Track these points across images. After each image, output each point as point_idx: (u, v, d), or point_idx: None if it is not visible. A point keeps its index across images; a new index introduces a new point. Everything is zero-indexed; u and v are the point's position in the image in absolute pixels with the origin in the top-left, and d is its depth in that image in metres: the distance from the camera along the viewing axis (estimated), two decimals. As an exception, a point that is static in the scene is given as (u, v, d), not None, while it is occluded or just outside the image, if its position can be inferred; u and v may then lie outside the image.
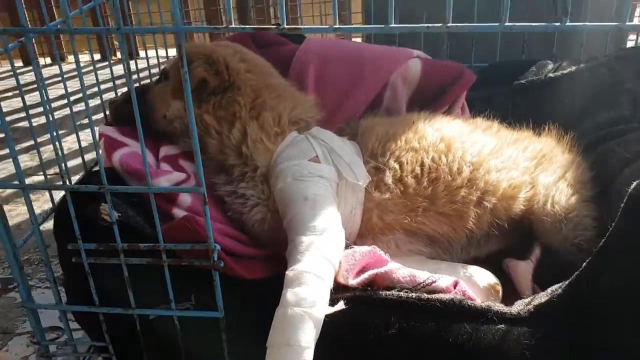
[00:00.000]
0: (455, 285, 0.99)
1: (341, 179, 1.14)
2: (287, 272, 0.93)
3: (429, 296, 0.92)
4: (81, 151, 1.23)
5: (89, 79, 1.15)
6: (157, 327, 1.03)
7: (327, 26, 0.73)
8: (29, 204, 0.99)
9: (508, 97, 1.52)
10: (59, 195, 1.07)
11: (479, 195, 1.14)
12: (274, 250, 1.10)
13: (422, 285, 0.97)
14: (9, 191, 2.19)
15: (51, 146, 0.99)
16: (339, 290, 0.96)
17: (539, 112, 1.43)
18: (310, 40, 1.52)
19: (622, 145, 1.20)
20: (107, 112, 1.35)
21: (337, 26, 0.73)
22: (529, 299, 0.94)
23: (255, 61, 1.28)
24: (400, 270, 0.99)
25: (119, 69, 2.80)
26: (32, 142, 2.47)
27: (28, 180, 2.12)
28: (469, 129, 1.24)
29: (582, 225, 1.12)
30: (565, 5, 0.70)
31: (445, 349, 0.89)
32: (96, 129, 0.98)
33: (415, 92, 1.47)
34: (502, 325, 0.89)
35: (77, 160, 2.17)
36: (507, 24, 0.70)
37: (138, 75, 1.86)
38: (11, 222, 0.99)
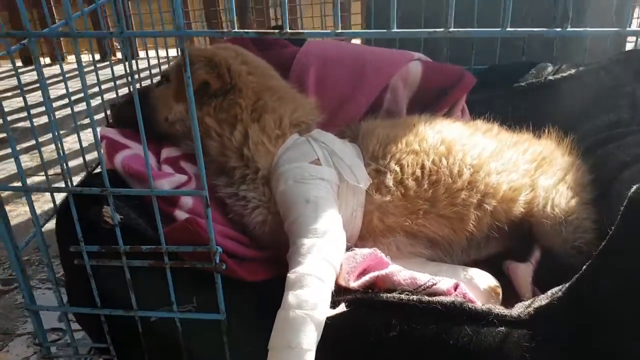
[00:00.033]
0: (456, 287, 0.99)
1: (342, 181, 1.14)
2: (288, 275, 0.94)
3: (430, 299, 0.93)
4: (82, 151, 1.23)
5: (89, 79, 1.15)
6: (158, 328, 1.04)
7: (329, 31, 0.73)
8: (32, 207, 0.99)
9: (508, 99, 1.52)
10: (60, 196, 1.07)
11: (480, 197, 1.14)
12: (275, 252, 1.10)
13: (422, 287, 0.98)
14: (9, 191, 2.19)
15: (50, 146, 0.99)
16: (340, 293, 0.96)
17: (538, 115, 1.44)
18: (310, 43, 1.52)
19: (621, 148, 1.21)
20: (109, 114, 1.35)
21: (340, 31, 0.73)
22: (529, 302, 0.95)
23: (256, 63, 1.29)
24: (401, 272, 1.00)
25: (118, 69, 2.81)
26: (31, 143, 2.47)
27: (28, 181, 2.12)
28: (469, 131, 1.25)
29: (582, 227, 1.12)
30: (566, 11, 0.70)
31: (446, 351, 0.90)
32: (98, 129, 0.99)
33: (415, 94, 1.48)
34: (503, 328, 0.89)
35: (77, 161, 2.18)
36: (508, 29, 0.70)
37: (139, 76, 1.86)
38: (11, 223, 1.00)
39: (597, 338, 0.87)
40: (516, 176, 1.17)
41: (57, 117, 2.71)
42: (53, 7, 3.19)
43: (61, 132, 2.55)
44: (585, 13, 1.68)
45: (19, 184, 2.18)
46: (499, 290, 1.06)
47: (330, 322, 0.90)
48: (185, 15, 3.22)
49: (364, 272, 1.02)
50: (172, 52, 2.25)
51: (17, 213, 2.02)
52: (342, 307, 0.92)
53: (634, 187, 0.84)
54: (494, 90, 1.55)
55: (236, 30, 0.74)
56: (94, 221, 0.98)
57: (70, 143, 2.42)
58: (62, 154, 0.94)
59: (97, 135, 0.94)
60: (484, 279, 1.07)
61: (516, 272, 1.12)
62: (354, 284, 0.98)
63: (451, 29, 0.71)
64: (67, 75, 1.16)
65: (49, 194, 1.07)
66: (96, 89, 2.43)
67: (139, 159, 1.15)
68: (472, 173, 1.15)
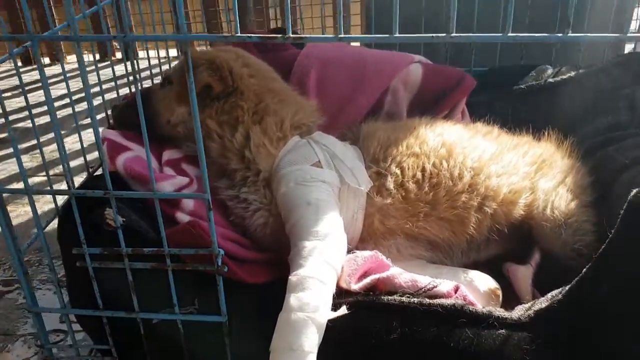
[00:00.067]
0: (456, 290, 1.00)
1: (343, 183, 1.15)
2: (290, 277, 0.94)
3: (431, 301, 0.93)
4: (83, 152, 1.24)
5: (89, 80, 1.15)
6: (159, 330, 1.04)
7: (332, 36, 0.74)
8: (34, 209, 0.99)
9: (508, 102, 1.53)
10: (61, 196, 1.07)
11: (480, 200, 1.15)
12: (276, 254, 1.11)
13: (423, 290, 0.98)
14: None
15: (49, 147, 1.00)
16: (341, 295, 0.97)
17: (538, 117, 1.45)
18: (311, 45, 1.53)
19: (620, 150, 1.22)
20: (109, 115, 1.35)
21: (342, 35, 0.74)
22: (529, 304, 0.95)
23: (258, 66, 1.29)
24: (402, 275, 1.00)
25: (118, 69, 2.80)
26: (30, 143, 2.47)
27: (29, 182, 2.12)
28: (470, 134, 1.25)
29: (582, 230, 1.13)
30: (567, 16, 0.71)
31: (446, 354, 0.90)
32: (100, 129, 0.99)
33: (416, 96, 1.48)
34: (503, 331, 0.90)
35: (77, 161, 2.18)
36: (510, 34, 0.71)
37: (140, 76, 1.86)
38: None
39: (597, 340, 0.88)
40: (516, 179, 1.17)
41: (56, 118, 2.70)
42: (53, 7, 3.18)
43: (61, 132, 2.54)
44: (586, 13, 1.68)
45: (19, 184, 2.18)
46: (499, 292, 1.06)
47: (332, 324, 0.90)
48: (185, 15, 3.21)
49: (365, 275, 1.02)
50: (172, 52, 2.25)
51: (17, 214, 2.02)
52: (343, 310, 0.92)
53: (634, 190, 0.85)
54: (493, 93, 1.56)
55: (239, 34, 0.75)
56: (96, 223, 0.98)
57: (70, 143, 2.42)
58: (64, 156, 0.95)
59: (99, 138, 0.94)
60: (484, 282, 1.08)
61: (516, 274, 1.12)
62: (355, 287, 0.99)
63: (453, 34, 0.71)
64: (66, 75, 1.16)
65: (52, 198, 1.07)
66: (96, 89, 2.43)
67: (141, 161, 1.16)
68: (473, 176, 1.15)
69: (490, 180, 1.15)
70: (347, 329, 0.92)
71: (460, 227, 1.15)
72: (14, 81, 3.08)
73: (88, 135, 2.38)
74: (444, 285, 1.00)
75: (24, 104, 2.80)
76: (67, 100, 2.73)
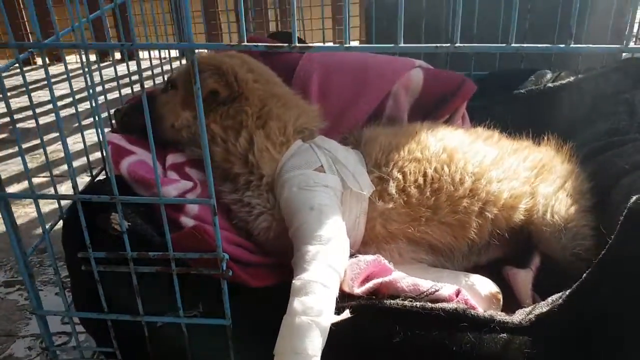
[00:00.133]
0: (458, 294, 1.01)
1: (346, 188, 1.15)
2: (293, 281, 0.95)
3: (433, 305, 0.94)
4: (87, 155, 1.24)
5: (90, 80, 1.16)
6: (162, 333, 1.05)
7: (338, 45, 0.75)
8: (40, 213, 1.00)
9: (507, 106, 1.54)
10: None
11: (481, 205, 1.16)
12: (279, 258, 1.12)
13: (425, 294, 0.99)
14: (10, 191, 2.19)
15: (49, 147, 1.00)
16: (344, 299, 0.98)
17: (538, 122, 1.45)
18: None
19: (620, 155, 1.23)
20: (111, 114, 1.36)
21: (348, 45, 0.75)
22: (529, 308, 0.97)
23: (262, 71, 1.30)
24: (404, 279, 1.01)
25: (119, 69, 2.79)
26: (30, 144, 2.47)
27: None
28: (471, 139, 1.26)
29: (581, 234, 1.14)
30: (570, 27, 0.72)
31: (448, 357, 0.91)
32: (106, 129, 1.00)
33: (416, 101, 1.49)
34: (505, 335, 0.91)
35: (78, 162, 2.19)
36: (513, 44, 0.72)
37: (140, 76, 1.85)
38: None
39: (598, 345, 0.89)
40: (517, 184, 1.19)
41: (52, 119, 2.71)
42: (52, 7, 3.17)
43: (58, 134, 2.54)
44: (585, 16, 1.69)
45: (20, 184, 2.18)
46: (500, 296, 1.07)
47: (335, 328, 0.91)
48: (185, 16, 3.20)
49: (367, 279, 1.03)
50: (173, 53, 2.25)
51: (18, 215, 2.02)
52: (346, 314, 0.93)
53: (634, 197, 0.86)
54: (493, 97, 1.57)
55: (246, 43, 0.76)
56: (102, 228, 0.99)
57: (70, 144, 2.42)
58: (69, 160, 0.95)
59: (105, 143, 0.95)
60: (485, 285, 1.09)
61: (516, 278, 1.13)
62: (358, 290, 1.00)
63: (457, 44, 0.72)
64: (63, 77, 1.17)
65: (57, 202, 1.07)
66: (97, 89, 2.43)
67: (145, 165, 1.16)
68: (474, 181, 1.16)
69: (491, 186, 1.16)
70: (350, 333, 0.93)
71: (462, 231, 1.16)
72: (13, 81, 3.08)
73: (89, 136, 2.39)
74: (446, 289, 1.01)
75: (22, 104, 2.80)
76: (66, 101, 2.73)
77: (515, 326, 0.92)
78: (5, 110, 2.86)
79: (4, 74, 0.91)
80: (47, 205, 2.01)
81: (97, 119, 0.85)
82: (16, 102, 2.95)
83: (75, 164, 2.13)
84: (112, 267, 0.99)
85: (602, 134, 1.37)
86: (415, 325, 0.93)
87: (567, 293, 0.92)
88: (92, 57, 3.15)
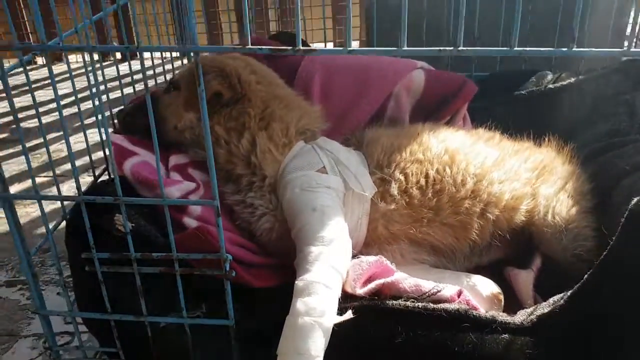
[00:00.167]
0: (459, 294, 1.01)
1: (348, 189, 1.16)
2: (296, 282, 0.96)
3: (435, 306, 0.95)
4: (89, 154, 1.24)
5: (85, 81, 1.17)
6: (166, 334, 1.05)
7: (342, 49, 0.75)
8: (44, 215, 1.01)
9: (508, 107, 1.55)
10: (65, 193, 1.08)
11: (482, 206, 1.17)
12: (282, 259, 1.12)
13: (427, 294, 1.00)
14: (11, 191, 2.19)
15: (51, 147, 1.00)
16: (346, 299, 0.98)
17: (539, 123, 1.45)
18: (316, 50, 1.54)
19: (621, 156, 1.23)
20: (113, 114, 1.36)
21: (352, 49, 0.75)
22: (531, 309, 0.97)
23: (264, 72, 1.31)
24: (406, 280, 1.02)
25: (113, 70, 2.79)
26: (31, 144, 2.47)
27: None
28: (472, 140, 1.27)
29: (582, 235, 1.14)
30: (572, 30, 0.72)
31: (450, 358, 0.92)
32: (109, 129, 1.00)
33: (418, 102, 1.49)
34: (506, 335, 0.92)
35: (79, 161, 2.19)
36: (516, 48, 0.73)
37: (145, 78, 1.85)
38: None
39: (598, 345, 0.90)
40: (518, 185, 1.19)
41: (53, 119, 2.71)
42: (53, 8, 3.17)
43: (59, 133, 2.54)
44: (586, 16, 1.70)
45: (21, 184, 2.18)
46: (501, 297, 1.08)
47: (338, 328, 0.92)
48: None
49: (369, 280, 1.04)
50: (173, 52, 2.26)
51: (20, 214, 2.00)
52: (349, 314, 0.94)
53: (635, 199, 0.86)
54: (494, 98, 1.57)
55: (250, 46, 0.76)
56: (106, 229, 0.99)
57: (71, 144, 2.42)
58: (73, 161, 0.96)
59: (110, 142, 0.95)
60: (487, 286, 1.09)
61: (518, 279, 1.14)
62: (360, 291, 1.00)
63: (460, 48, 0.73)
64: (63, 77, 1.17)
65: (60, 204, 1.08)
66: (91, 90, 2.43)
67: (148, 166, 1.17)
68: (475, 182, 1.17)
69: (492, 187, 1.17)
70: (352, 333, 0.94)
71: (463, 232, 1.17)
72: (12, 81, 3.08)
73: (90, 136, 2.39)
74: (448, 289, 1.01)
75: (22, 104, 2.80)
76: (66, 101, 2.73)
77: (517, 327, 0.93)
78: (5, 110, 2.88)
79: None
80: (49, 205, 2.01)
81: (100, 118, 0.85)
82: (16, 102, 2.95)
83: (77, 163, 2.13)
84: (116, 267, 0.99)
85: (602, 135, 1.38)
86: (417, 325, 0.93)
87: (568, 294, 0.92)
88: (95, 56, 3.15)
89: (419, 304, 0.96)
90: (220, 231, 0.92)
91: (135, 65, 1.39)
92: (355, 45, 2.41)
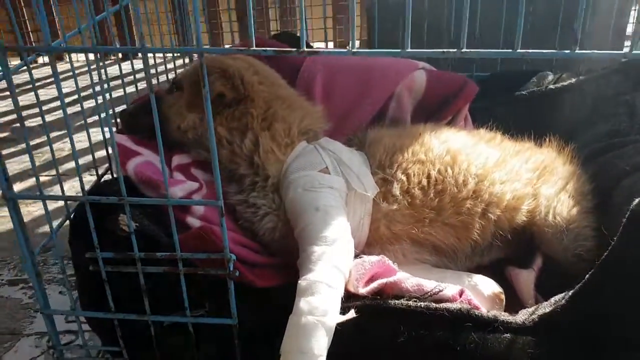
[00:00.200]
0: (461, 294, 1.02)
1: (350, 189, 1.16)
2: (299, 282, 0.96)
3: (437, 306, 0.95)
4: (92, 154, 1.25)
5: (87, 80, 1.17)
6: (168, 333, 1.06)
7: (345, 50, 0.76)
8: (48, 215, 1.01)
9: (509, 107, 1.55)
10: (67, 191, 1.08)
11: (484, 206, 1.17)
12: (284, 258, 1.13)
13: (429, 294, 1.01)
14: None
15: (49, 148, 1.01)
16: (349, 299, 0.99)
17: (539, 123, 1.46)
18: (318, 50, 1.54)
19: (621, 157, 1.24)
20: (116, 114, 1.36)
21: (356, 50, 0.76)
22: (532, 309, 0.98)
23: (267, 73, 1.31)
24: (409, 280, 1.02)
25: (116, 69, 2.77)
26: (32, 143, 2.47)
27: (33, 181, 2.13)
28: (474, 140, 1.27)
29: (583, 235, 1.15)
30: (575, 33, 0.73)
31: (453, 357, 0.92)
32: (112, 129, 1.00)
33: (419, 102, 1.50)
34: (508, 335, 0.92)
35: (81, 160, 2.18)
36: (519, 50, 0.73)
37: (150, 79, 1.85)
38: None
39: (600, 345, 0.90)
40: (519, 185, 1.20)
41: (53, 118, 2.71)
42: (52, 5, 3.17)
43: (61, 133, 2.53)
44: (587, 16, 1.71)
45: (22, 184, 2.18)
46: (503, 296, 1.09)
47: (340, 327, 0.92)
48: (186, 15, 3.20)
49: (372, 279, 1.04)
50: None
51: (21, 213, 2.02)
52: (351, 313, 0.94)
53: (636, 200, 0.87)
54: (495, 99, 1.58)
55: (255, 48, 0.77)
56: (110, 229, 1.00)
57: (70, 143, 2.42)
58: (77, 161, 0.96)
59: (114, 142, 0.96)
60: (488, 286, 1.10)
61: (519, 278, 1.14)
62: (362, 291, 1.01)
63: (464, 50, 0.73)
64: (64, 76, 1.18)
65: (64, 203, 1.08)
66: (98, 88, 2.44)
67: (151, 165, 1.17)
68: (477, 183, 1.18)
69: (494, 187, 1.18)
70: (355, 333, 0.94)
71: (465, 232, 1.17)
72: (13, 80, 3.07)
73: (92, 135, 2.39)
74: (449, 289, 1.02)
75: (22, 103, 2.80)
76: (67, 100, 2.73)
77: (519, 326, 0.93)
78: (5, 109, 2.88)
79: (2, 73, 0.91)
80: (51, 203, 2.01)
81: (105, 118, 0.86)
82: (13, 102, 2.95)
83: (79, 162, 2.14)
84: (120, 267, 1.00)
85: (602, 135, 1.39)
86: (419, 325, 0.94)
87: (569, 294, 0.93)
88: (104, 57, 3.15)
89: (421, 303, 0.96)
90: (224, 231, 0.92)
91: (138, 63, 1.39)
92: (355, 44, 2.40)
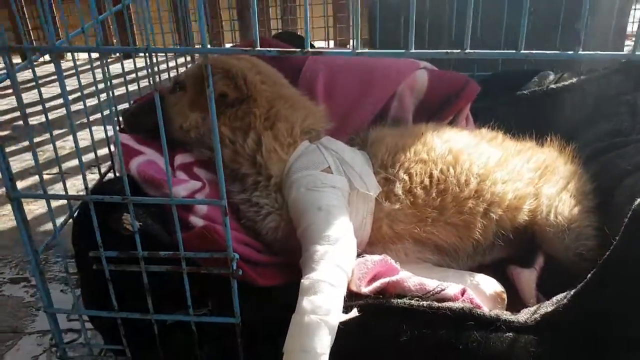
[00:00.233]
0: (463, 293, 1.02)
1: (352, 189, 1.17)
2: (302, 281, 0.96)
3: (440, 305, 0.96)
4: (94, 149, 1.25)
5: (88, 78, 1.17)
6: (171, 331, 1.06)
7: (349, 51, 0.76)
8: (51, 214, 1.02)
9: (511, 107, 1.56)
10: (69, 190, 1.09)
11: (486, 206, 1.18)
12: (287, 257, 1.13)
13: (431, 293, 1.01)
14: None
15: (50, 145, 1.01)
16: (351, 298, 0.99)
17: (541, 123, 1.47)
18: (320, 50, 1.54)
19: (622, 156, 1.24)
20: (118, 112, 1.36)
21: (360, 51, 0.76)
22: (534, 308, 0.98)
23: (269, 73, 1.31)
24: (411, 279, 1.03)
25: (117, 67, 2.79)
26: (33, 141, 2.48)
27: (33, 180, 2.13)
28: (476, 140, 1.28)
29: (584, 235, 1.15)
30: (578, 34, 0.73)
31: (455, 356, 0.93)
32: (116, 127, 1.00)
33: (421, 102, 1.50)
34: (510, 334, 0.93)
35: (83, 158, 2.19)
36: (523, 51, 0.73)
37: (154, 79, 1.86)
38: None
39: (602, 345, 0.91)
40: (521, 185, 1.20)
41: (53, 117, 2.71)
42: (52, 4, 3.17)
43: (60, 131, 2.53)
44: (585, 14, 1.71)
45: (24, 182, 2.18)
46: (505, 295, 1.09)
47: (343, 326, 0.92)
48: (187, 14, 3.21)
49: (374, 278, 1.04)
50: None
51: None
52: (354, 312, 0.95)
53: (638, 199, 0.87)
54: (497, 98, 1.58)
55: (259, 48, 0.77)
56: (114, 229, 1.00)
57: (70, 142, 2.43)
58: (81, 160, 0.96)
59: (118, 141, 0.96)
60: (490, 285, 1.10)
61: (520, 277, 1.15)
62: (365, 290, 1.01)
63: (467, 50, 0.73)
64: (66, 74, 1.18)
65: (67, 203, 1.08)
66: (100, 86, 2.44)
67: (154, 165, 1.18)
68: (479, 182, 1.18)
69: (495, 187, 1.18)
70: (357, 332, 0.95)
71: (467, 232, 1.18)
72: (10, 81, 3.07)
73: (94, 133, 2.39)
74: (451, 288, 1.02)
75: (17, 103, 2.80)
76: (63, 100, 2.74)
77: (521, 325, 0.94)
78: (5, 108, 2.88)
79: (1, 73, 0.92)
80: (53, 202, 2.00)
81: (107, 114, 0.86)
82: (14, 101, 2.96)
83: (76, 162, 2.14)
84: (123, 266, 1.00)
85: (604, 134, 1.39)
86: (422, 324, 0.94)
87: (571, 293, 0.93)
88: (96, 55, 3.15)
89: (424, 302, 0.97)
90: (228, 230, 0.93)
91: (139, 62, 1.39)
92: (358, 44, 2.40)
